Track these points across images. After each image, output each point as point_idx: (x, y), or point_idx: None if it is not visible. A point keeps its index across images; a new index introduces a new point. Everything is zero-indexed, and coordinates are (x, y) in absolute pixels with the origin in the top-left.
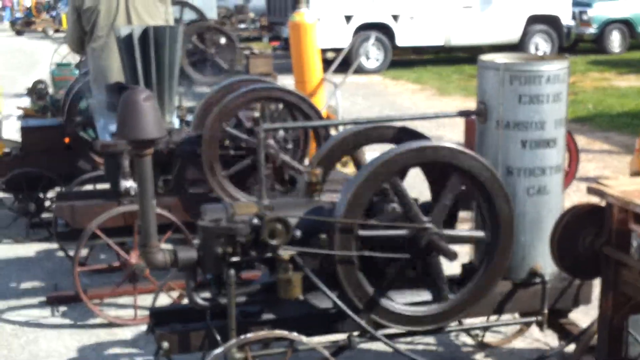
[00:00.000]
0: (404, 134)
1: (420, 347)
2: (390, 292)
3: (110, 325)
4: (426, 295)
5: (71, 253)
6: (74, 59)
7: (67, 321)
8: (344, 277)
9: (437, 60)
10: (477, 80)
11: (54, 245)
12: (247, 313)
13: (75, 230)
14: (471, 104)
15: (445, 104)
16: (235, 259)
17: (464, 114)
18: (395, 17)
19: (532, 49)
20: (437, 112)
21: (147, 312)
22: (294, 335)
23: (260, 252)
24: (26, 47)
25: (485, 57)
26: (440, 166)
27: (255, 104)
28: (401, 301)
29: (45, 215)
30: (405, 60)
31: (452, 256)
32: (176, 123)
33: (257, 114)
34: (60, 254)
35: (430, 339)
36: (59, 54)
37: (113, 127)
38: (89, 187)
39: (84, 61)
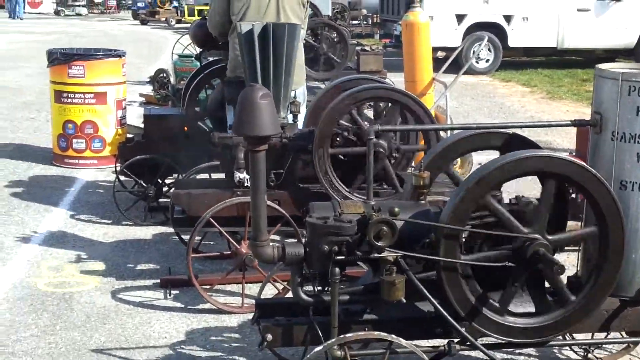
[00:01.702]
0: (516, 141)
1: (521, 357)
2: (493, 301)
3: (218, 311)
4: (530, 307)
5: (186, 239)
6: (195, 50)
7: (178, 304)
8: (447, 283)
9: (548, 63)
10: (593, 90)
11: (170, 230)
12: (350, 312)
13: (191, 217)
14: (582, 110)
15: (555, 108)
16: (340, 257)
17: (578, 123)
18: (507, 18)
19: None
20: (550, 121)
21: (253, 302)
22: (394, 337)
23: (365, 252)
24: (151, 36)
25: (603, 66)
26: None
27: (367, 103)
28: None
29: (162, 200)
30: (515, 61)
31: (559, 269)
32: (289, 118)
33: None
34: (176, 238)
35: (531, 351)
36: (181, 44)
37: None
38: (204, 176)
39: (203, 53)
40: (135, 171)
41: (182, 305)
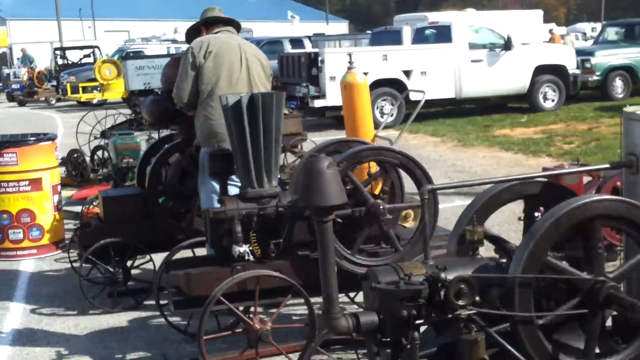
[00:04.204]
0: (552, 189)
1: None
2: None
3: None
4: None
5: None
6: (102, 126)
7: None
8: (524, 336)
9: (447, 112)
10: (623, 133)
11: (143, 314)
12: None
13: (191, 298)
14: (497, 154)
15: (471, 154)
16: (420, 321)
17: (616, 165)
18: (406, 73)
19: (540, 98)
20: (588, 165)
21: None
22: None
23: (440, 313)
24: (34, 117)
25: (631, 109)
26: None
27: (363, 164)
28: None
29: (130, 284)
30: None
31: (636, 310)
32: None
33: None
34: (155, 322)
35: None
36: (86, 122)
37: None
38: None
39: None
40: (100, 257)
41: None
